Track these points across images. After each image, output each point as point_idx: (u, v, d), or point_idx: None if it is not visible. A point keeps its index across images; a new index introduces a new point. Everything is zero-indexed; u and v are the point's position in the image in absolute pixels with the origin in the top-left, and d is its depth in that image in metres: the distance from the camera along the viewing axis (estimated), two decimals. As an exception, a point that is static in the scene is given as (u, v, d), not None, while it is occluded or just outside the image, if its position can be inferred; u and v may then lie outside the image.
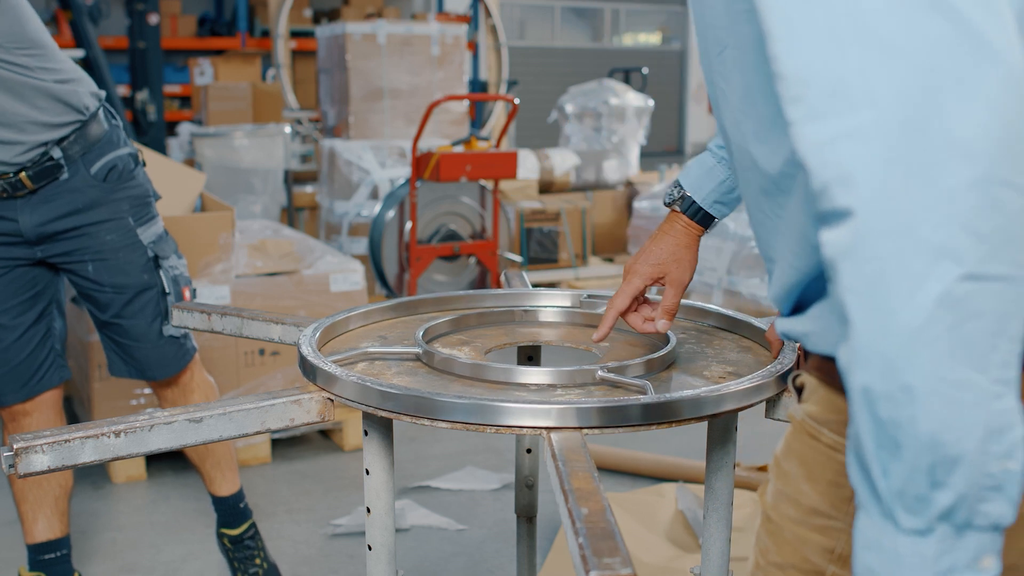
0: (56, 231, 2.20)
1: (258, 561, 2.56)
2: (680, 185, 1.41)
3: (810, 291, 0.97)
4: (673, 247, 1.41)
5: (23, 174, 2.14)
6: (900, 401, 0.73)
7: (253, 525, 2.57)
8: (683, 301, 1.67)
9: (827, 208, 0.75)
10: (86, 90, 2.21)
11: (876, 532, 0.77)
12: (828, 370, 0.95)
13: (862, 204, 0.73)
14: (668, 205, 1.42)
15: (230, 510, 2.54)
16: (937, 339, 0.71)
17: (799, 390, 1.02)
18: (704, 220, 1.40)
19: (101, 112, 2.24)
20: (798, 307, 1.01)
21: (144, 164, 2.34)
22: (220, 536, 2.57)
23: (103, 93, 2.28)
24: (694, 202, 1.39)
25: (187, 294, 2.32)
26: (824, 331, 0.95)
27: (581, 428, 1.14)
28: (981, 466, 0.73)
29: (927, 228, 0.71)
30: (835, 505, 0.95)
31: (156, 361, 2.32)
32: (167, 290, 2.30)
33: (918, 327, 0.71)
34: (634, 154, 7.19)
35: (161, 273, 2.30)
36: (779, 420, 1.33)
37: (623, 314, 1.43)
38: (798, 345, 1.07)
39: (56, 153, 2.16)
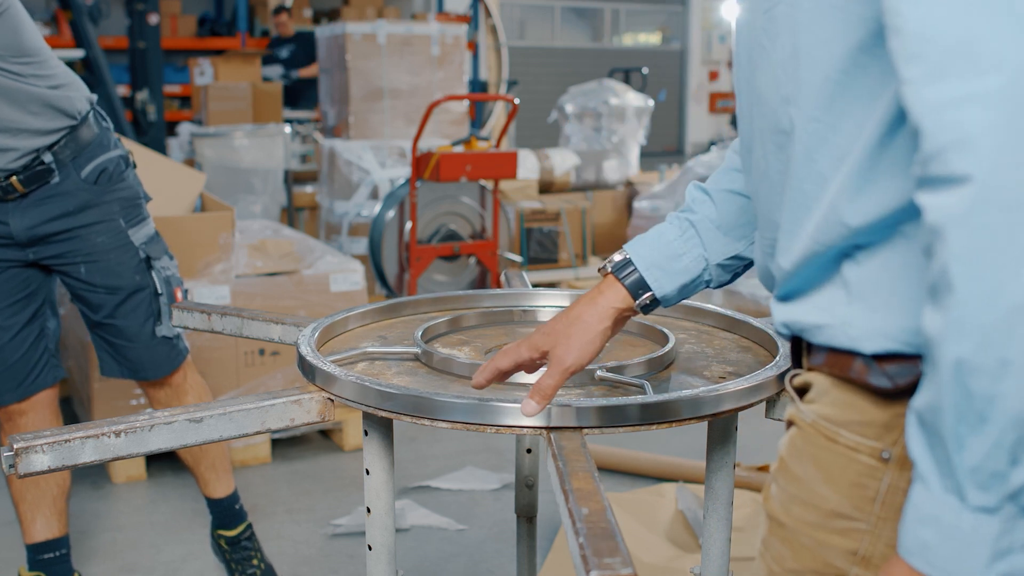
0: (47, 234, 2.21)
1: (255, 562, 2.56)
2: (623, 249, 1.22)
3: (818, 270, 0.94)
4: (574, 319, 1.17)
5: (14, 178, 2.15)
6: (995, 375, 0.73)
7: (250, 526, 2.58)
8: (683, 301, 1.67)
9: (940, 173, 0.74)
10: (79, 94, 2.22)
11: (937, 507, 0.77)
12: (843, 365, 0.92)
13: (982, 171, 0.71)
14: (600, 271, 1.22)
15: (226, 511, 2.54)
16: None
17: (800, 391, 1.00)
18: (636, 289, 1.18)
19: (91, 115, 2.25)
20: (794, 292, 0.97)
21: (135, 166, 2.34)
22: (216, 538, 2.57)
23: (94, 96, 2.28)
24: (630, 261, 1.19)
25: (179, 295, 2.32)
26: (843, 323, 0.91)
27: (581, 428, 1.14)
28: None
29: None
30: (858, 506, 0.93)
31: (149, 361, 2.32)
32: (159, 291, 2.30)
33: (1022, 302, 0.71)
34: (634, 154, 7.19)
35: (153, 274, 2.30)
36: (779, 420, 1.32)
37: (507, 374, 1.21)
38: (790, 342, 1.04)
39: (47, 157, 2.17)
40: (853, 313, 0.91)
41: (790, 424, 1.02)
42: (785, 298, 0.99)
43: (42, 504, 2.36)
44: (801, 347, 1.01)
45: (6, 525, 2.94)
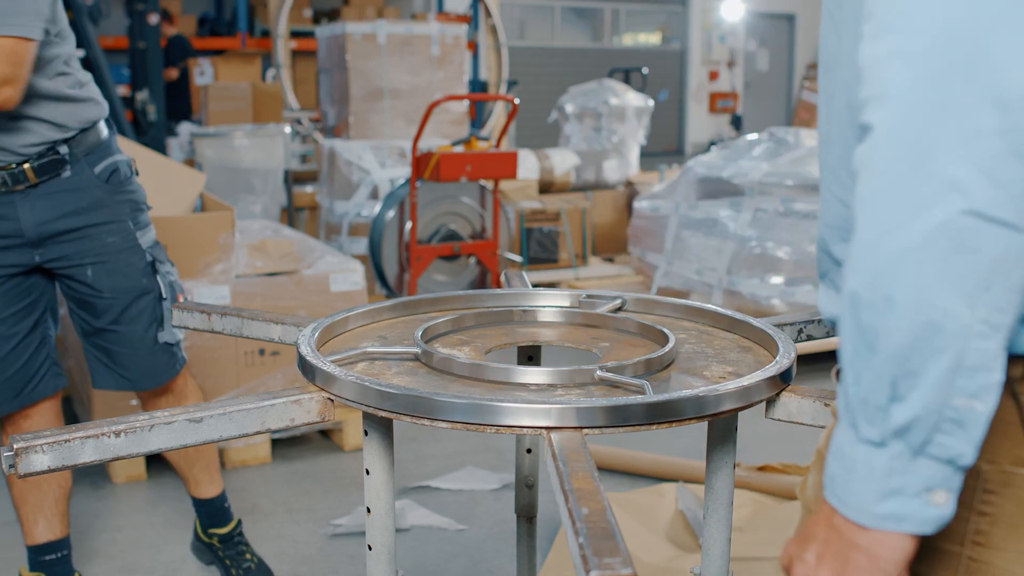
0: (58, 231, 2.19)
1: (249, 556, 2.57)
2: None
3: None
4: None
5: (27, 165, 2.12)
6: (880, 310, 0.77)
7: (239, 522, 2.59)
8: (683, 301, 1.67)
9: (863, 121, 0.78)
10: (95, 101, 2.22)
11: (842, 439, 0.81)
12: None
13: (890, 123, 0.76)
14: None
15: (218, 510, 2.55)
16: (928, 262, 0.74)
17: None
18: None
19: (102, 121, 2.25)
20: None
21: (137, 173, 2.34)
22: (209, 537, 2.57)
23: (106, 104, 2.28)
24: None
25: (181, 300, 2.32)
26: None
27: (581, 428, 1.14)
28: (945, 395, 0.76)
29: (944, 160, 0.74)
30: None
31: (149, 369, 2.30)
32: (164, 295, 2.29)
33: (912, 247, 0.75)
34: (634, 154, 7.19)
35: (159, 278, 2.28)
36: (779, 420, 1.33)
37: None
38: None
39: (63, 149, 2.15)
40: None
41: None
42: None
43: (43, 506, 2.35)
44: None
45: (6, 526, 2.93)
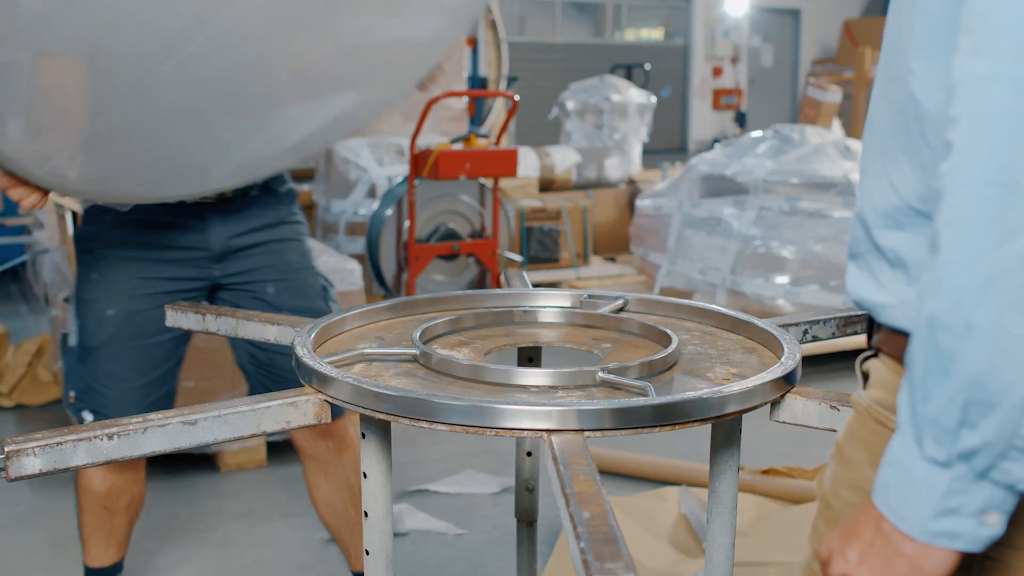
0: (244, 245, 2.08)
1: None
2: None
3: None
4: None
5: None
6: (959, 334, 0.77)
7: None
8: (686, 301, 1.65)
9: (950, 139, 0.78)
10: None
11: (903, 453, 0.82)
12: (903, 348, 0.93)
13: (978, 146, 0.76)
14: None
15: None
16: (1012, 291, 0.75)
17: (865, 376, 1.02)
18: None
19: None
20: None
21: None
22: None
23: None
24: None
25: None
26: (904, 305, 0.94)
27: (582, 430, 1.12)
28: (1016, 424, 0.77)
29: None
30: None
31: None
32: None
33: (997, 274, 0.75)
34: (636, 151, 7.18)
35: (332, 304, 2.18)
36: (784, 423, 1.31)
37: None
38: (866, 323, 1.06)
39: None
40: (913, 296, 0.93)
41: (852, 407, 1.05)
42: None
43: (103, 526, 2.19)
44: (872, 326, 1.03)
45: (4, 527, 2.92)
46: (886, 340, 0.97)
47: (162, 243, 2.03)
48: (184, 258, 2.04)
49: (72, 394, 2.06)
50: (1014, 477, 0.78)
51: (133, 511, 2.21)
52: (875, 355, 1.00)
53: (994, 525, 0.80)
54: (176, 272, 2.04)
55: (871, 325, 1.03)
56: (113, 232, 2.02)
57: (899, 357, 0.94)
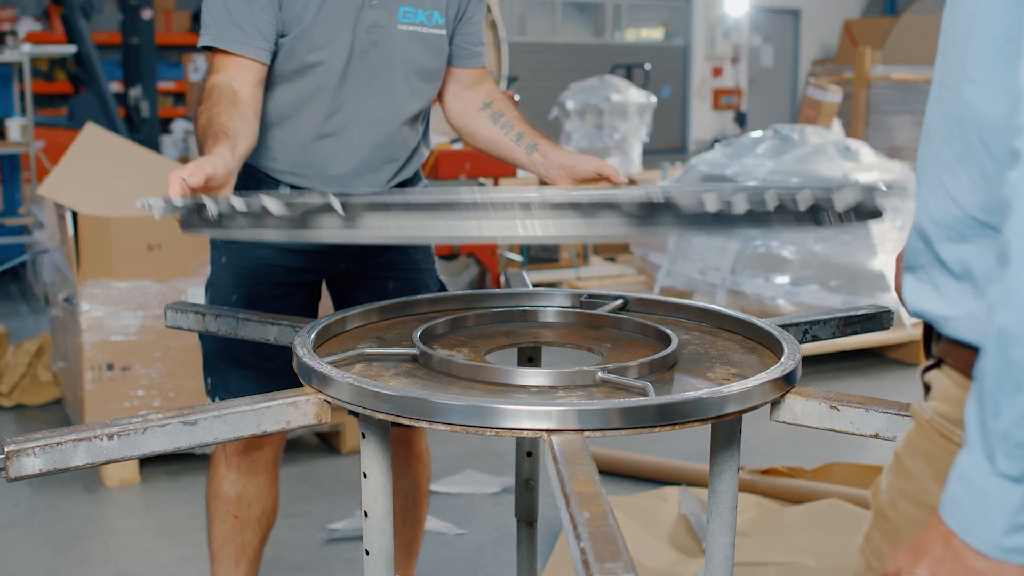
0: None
1: None
2: None
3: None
4: None
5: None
6: None
7: None
8: (686, 301, 1.64)
9: (1017, 147, 0.76)
10: None
11: (973, 468, 0.80)
12: (970, 361, 0.91)
13: None
14: None
15: None
16: None
17: (927, 387, 1.00)
18: None
19: None
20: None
21: None
22: None
23: None
24: None
25: None
26: (970, 317, 0.92)
27: (582, 430, 1.12)
28: None
29: None
30: None
31: None
32: None
33: None
34: (636, 151, 7.18)
35: None
36: (784, 422, 1.30)
37: None
38: (921, 331, 1.03)
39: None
40: (981, 308, 0.91)
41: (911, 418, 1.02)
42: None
43: (233, 539, 2.06)
44: (931, 335, 1.01)
45: (4, 527, 2.91)
46: (949, 352, 0.95)
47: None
48: (312, 249, 1.97)
49: (209, 381, 2.01)
50: None
51: (265, 526, 2.10)
52: (937, 365, 0.98)
53: None
54: (302, 262, 1.97)
55: (928, 334, 1.01)
56: None
57: (964, 370, 0.93)
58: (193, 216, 1.21)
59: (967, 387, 0.92)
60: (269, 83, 1.82)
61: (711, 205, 1.05)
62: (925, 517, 0.95)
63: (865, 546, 1.05)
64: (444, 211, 1.10)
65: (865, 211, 1.12)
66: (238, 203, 1.14)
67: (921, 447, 0.98)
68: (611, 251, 6.41)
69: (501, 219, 1.08)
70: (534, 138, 1.98)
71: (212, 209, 1.17)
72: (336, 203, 1.08)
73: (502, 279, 1.90)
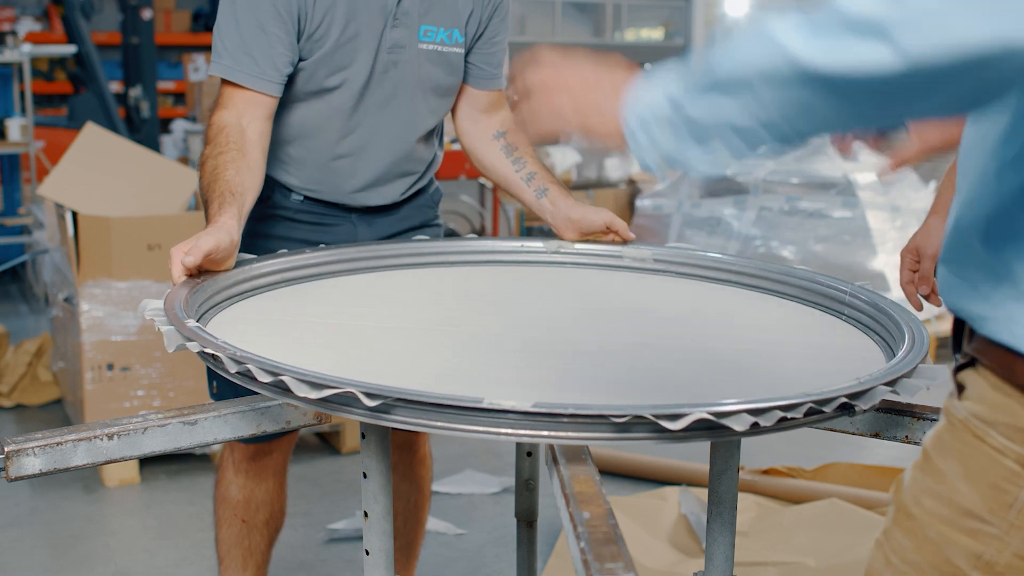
0: (391, 233, 2.01)
1: None
2: None
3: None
4: None
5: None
6: None
7: None
8: (686, 301, 1.64)
9: None
10: None
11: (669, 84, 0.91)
12: (1006, 364, 0.90)
13: None
14: None
15: None
16: None
17: (960, 386, 0.98)
18: None
19: None
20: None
21: None
22: None
23: None
24: None
25: None
26: (1011, 319, 0.90)
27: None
28: None
29: None
30: (993, 510, 0.92)
31: None
32: None
33: None
34: (636, 153, 7.16)
35: None
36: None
37: None
38: (951, 326, 1.01)
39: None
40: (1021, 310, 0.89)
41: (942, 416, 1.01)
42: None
43: (241, 543, 2.06)
44: (963, 330, 0.99)
45: (4, 527, 2.91)
46: (984, 351, 0.93)
47: (309, 241, 1.92)
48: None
49: (214, 384, 1.98)
50: None
51: (273, 529, 2.09)
52: (970, 364, 0.96)
53: None
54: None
55: (959, 329, 1.00)
56: (260, 225, 1.91)
57: (1001, 373, 0.91)
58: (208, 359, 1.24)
59: (1003, 390, 0.91)
60: (284, 102, 1.79)
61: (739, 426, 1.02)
62: (949, 515, 0.94)
63: (884, 541, 1.03)
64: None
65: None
66: (259, 373, 1.14)
67: (953, 447, 0.96)
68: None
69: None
70: (545, 182, 1.94)
71: (230, 368, 1.18)
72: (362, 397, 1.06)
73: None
